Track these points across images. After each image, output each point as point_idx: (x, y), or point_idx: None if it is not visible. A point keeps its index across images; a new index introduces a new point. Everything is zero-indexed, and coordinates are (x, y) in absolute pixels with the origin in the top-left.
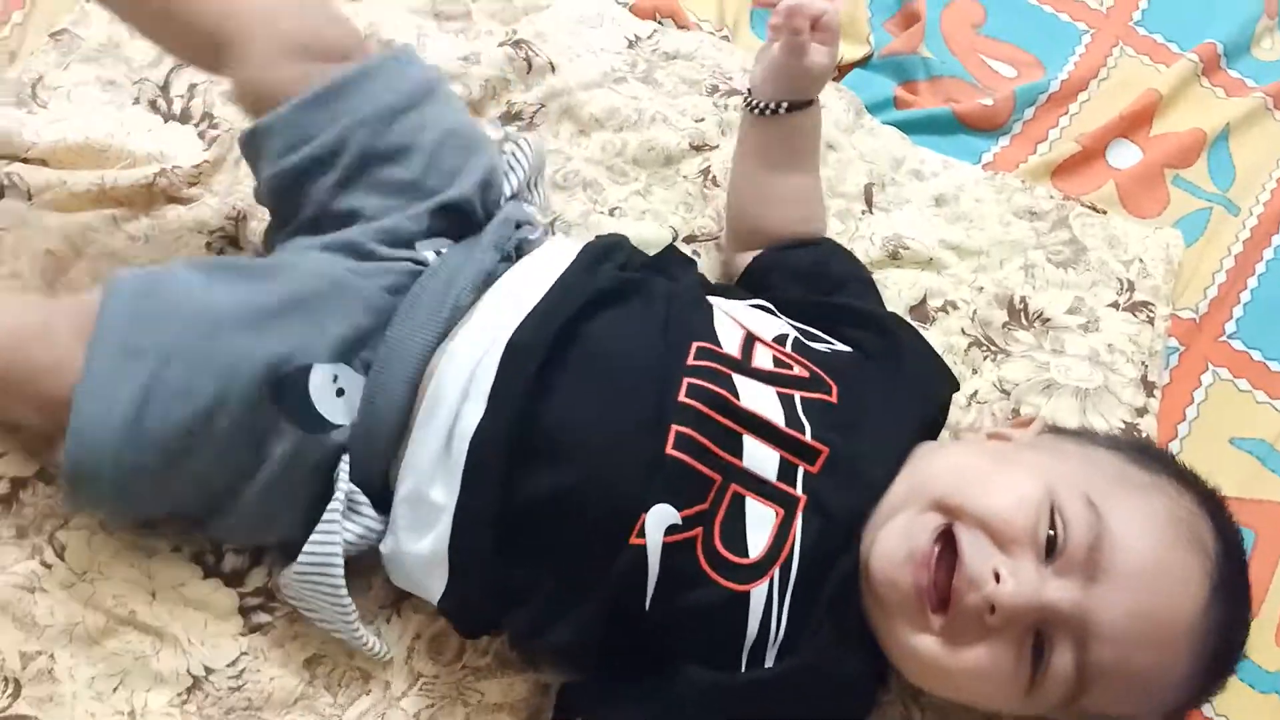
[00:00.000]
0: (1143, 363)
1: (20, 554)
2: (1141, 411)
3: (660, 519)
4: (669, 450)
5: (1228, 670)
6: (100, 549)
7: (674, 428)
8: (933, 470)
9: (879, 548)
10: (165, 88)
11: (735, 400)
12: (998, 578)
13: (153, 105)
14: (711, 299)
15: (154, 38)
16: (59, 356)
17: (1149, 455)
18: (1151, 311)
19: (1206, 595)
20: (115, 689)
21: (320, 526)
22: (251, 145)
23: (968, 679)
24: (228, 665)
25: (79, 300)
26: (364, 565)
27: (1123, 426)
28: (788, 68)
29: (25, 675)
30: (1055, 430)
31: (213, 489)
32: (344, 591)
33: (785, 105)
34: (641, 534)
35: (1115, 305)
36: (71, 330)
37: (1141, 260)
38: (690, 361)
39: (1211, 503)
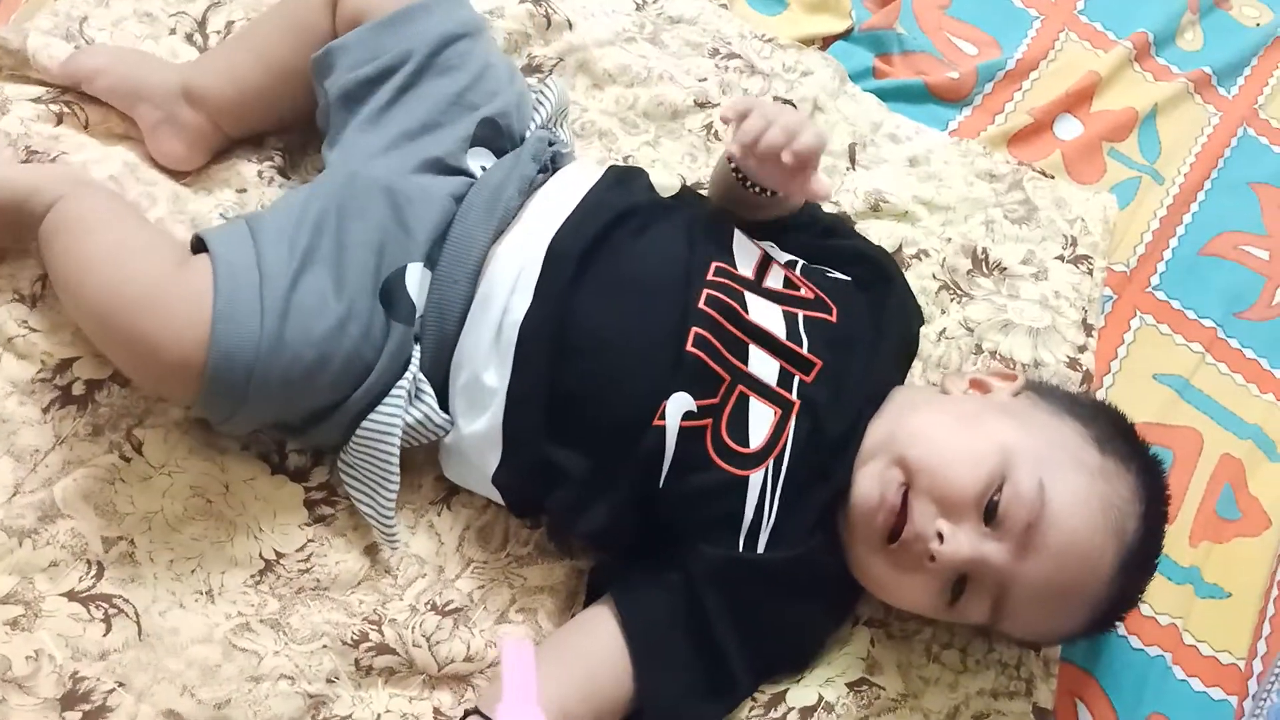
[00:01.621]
0: (1083, 308)
1: (98, 449)
2: (1082, 349)
3: (679, 405)
4: (688, 348)
5: (1120, 617)
6: (176, 446)
7: (693, 329)
8: (908, 427)
9: (859, 489)
10: (202, 24)
11: (744, 313)
12: (941, 537)
13: (189, 39)
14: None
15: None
16: (174, 320)
17: (1110, 431)
18: (1091, 264)
19: (1112, 573)
20: (193, 571)
21: (387, 401)
22: (325, 62)
23: (902, 595)
24: (296, 551)
25: (188, 266)
26: (415, 464)
27: (1067, 361)
28: (774, 174)
29: (108, 559)
30: (1036, 389)
31: (333, 396)
32: (395, 463)
33: (773, 192)
34: (662, 416)
35: (1061, 258)
36: (185, 291)
37: (1083, 220)
38: (709, 277)
39: (1149, 478)
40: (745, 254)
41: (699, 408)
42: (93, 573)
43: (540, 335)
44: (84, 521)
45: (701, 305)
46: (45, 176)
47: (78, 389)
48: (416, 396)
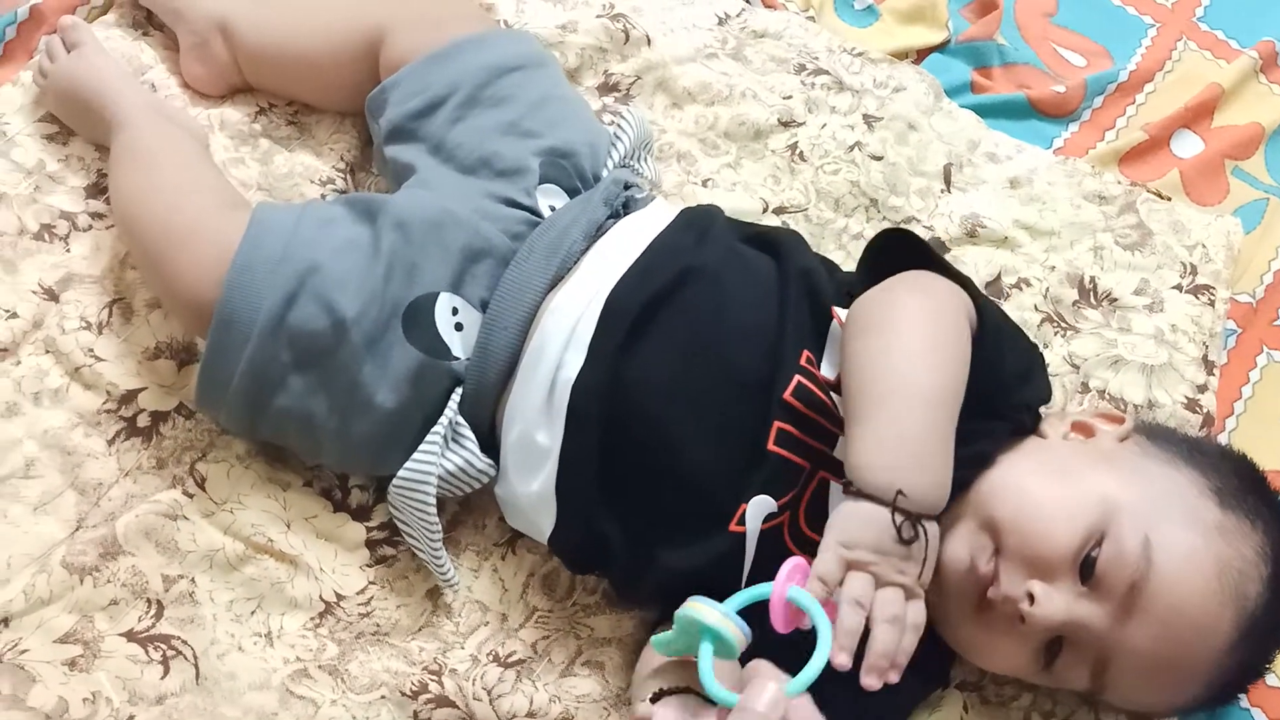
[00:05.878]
0: (1204, 343)
1: (161, 483)
2: (1202, 389)
3: (760, 509)
4: (770, 446)
5: (1243, 690)
6: (239, 481)
7: (776, 424)
8: (996, 489)
9: (949, 553)
10: None
11: (829, 402)
12: (1032, 598)
13: None
14: (835, 309)
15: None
16: (200, 258)
17: (1235, 483)
18: (1212, 295)
19: (1230, 642)
20: (253, 612)
21: (423, 446)
22: (378, 100)
23: (993, 658)
24: (357, 593)
25: (232, 216)
26: (480, 504)
27: (1185, 401)
28: None
29: (168, 597)
30: (1147, 433)
31: (335, 407)
32: (433, 511)
33: None
34: (741, 522)
35: (1179, 288)
36: (218, 236)
37: (1204, 246)
38: (801, 364)
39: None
40: (834, 358)
41: (779, 506)
42: (152, 612)
43: (593, 399)
44: (145, 559)
45: (788, 396)
46: (120, 93)
47: (143, 421)
48: (455, 440)
